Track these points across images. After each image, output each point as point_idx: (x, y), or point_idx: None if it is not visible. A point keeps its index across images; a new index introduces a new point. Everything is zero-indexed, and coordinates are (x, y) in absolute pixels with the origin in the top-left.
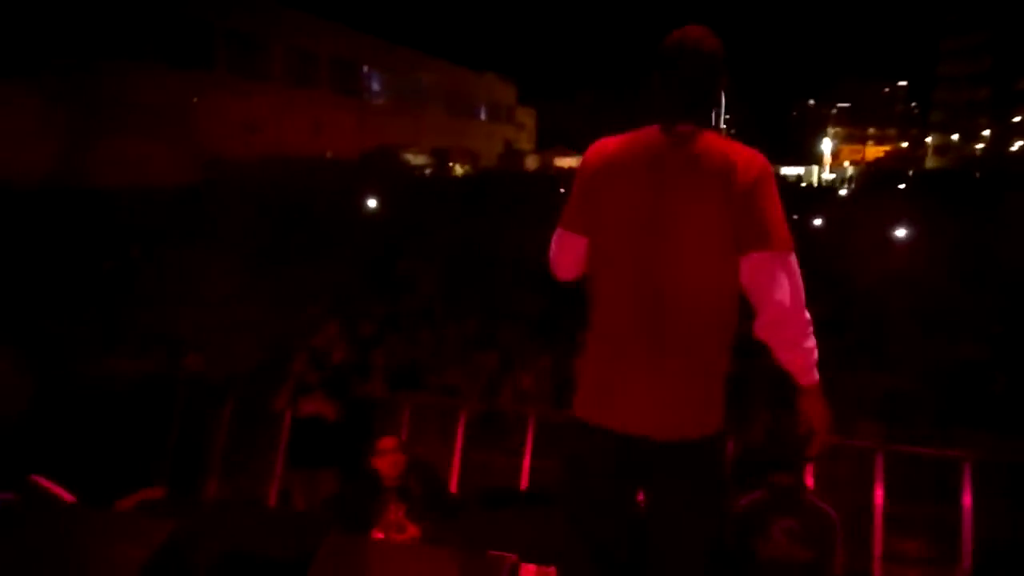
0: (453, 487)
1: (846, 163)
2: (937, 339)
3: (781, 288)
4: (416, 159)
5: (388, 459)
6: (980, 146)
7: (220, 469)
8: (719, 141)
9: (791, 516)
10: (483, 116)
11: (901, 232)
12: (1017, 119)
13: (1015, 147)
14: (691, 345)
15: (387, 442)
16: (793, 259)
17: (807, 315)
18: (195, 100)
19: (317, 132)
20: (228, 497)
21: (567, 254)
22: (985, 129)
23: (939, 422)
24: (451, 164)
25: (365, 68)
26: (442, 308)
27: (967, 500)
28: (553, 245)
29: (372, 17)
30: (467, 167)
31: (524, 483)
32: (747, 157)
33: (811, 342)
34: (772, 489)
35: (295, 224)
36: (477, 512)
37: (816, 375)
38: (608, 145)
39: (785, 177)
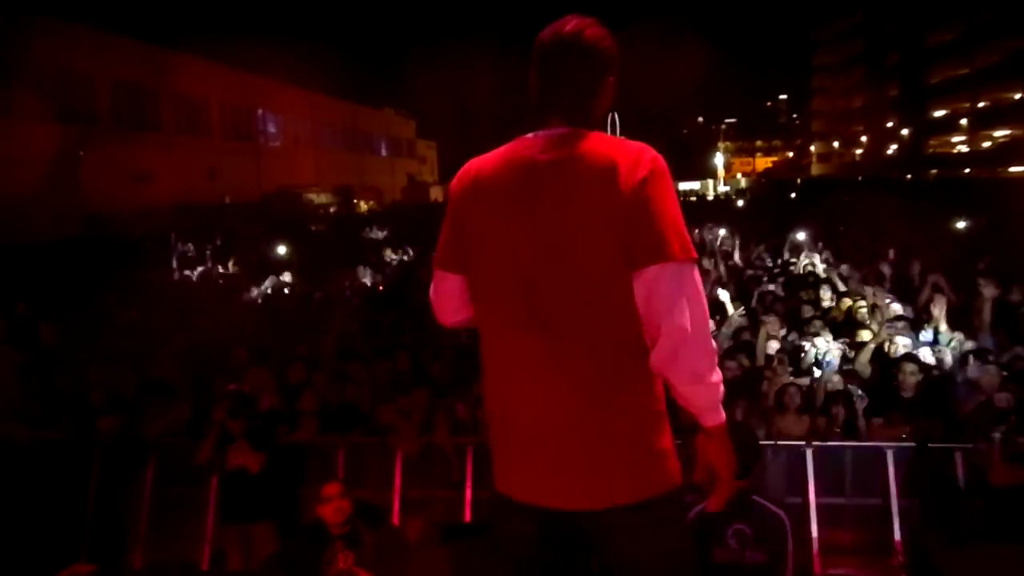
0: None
1: (739, 175)
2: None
3: (680, 309)
4: (319, 198)
5: (333, 505)
6: (859, 151)
7: (147, 534)
8: (602, 140)
9: (743, 520)
10: (384, 151)
11: (801, 236)
12: (890, 124)
13: (890, 151)
14: (602, 387)
15: (331, 488)
16: (695, 273)
17: (712, 343)
18: (80, 153)
19: (212, 178)
20: (158, 563)
21: (445, 296)
22: (862, 135)
23: (869, 413)
24: (356, 201)
25: (259, 111)
26: (368, 346)
27: (893, 488)
28: (432, 287)
29: (264, 60)
30: (372, 203)
31: (467, 515)
32: (633, 153)
33: (716, 375)
34: None
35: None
36: (429, 550)
37: (722, 414)
38: (473, 167)
39: (684, 192)
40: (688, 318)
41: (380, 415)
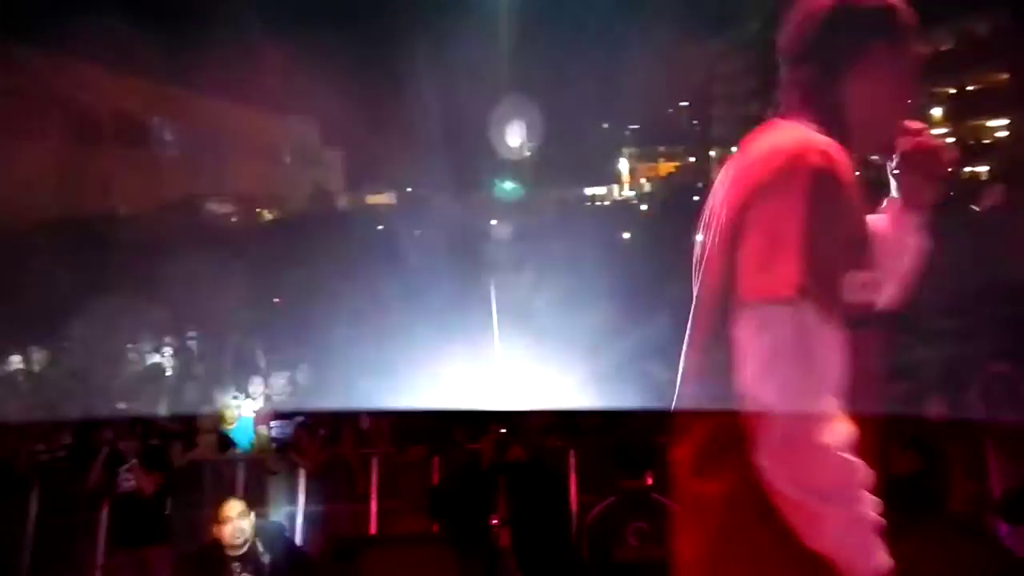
0: (298, 543)
1: (643, 180)
2: None
3: (743, 362)
4: (221, 208)
5: (233, 526)
6: None
7: (32, 568)
8: (774, 133)
9: (642, 518)
10: (288, 159)
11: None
12: None
13: None
14: (697, 456)
15: (231, 508)
16: (779, 314)
17: (813, 415)
18: None
19: (106, 189)
20: None
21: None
22: None
23: None
24: (259, 210)
25: (156, 119)
26: (270, 359)
27: None
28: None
29: (161, 65)
30: (276, 212)
31: (372, 528)
32: (769, 151)
33: (817, 472)
34: (623, 494)
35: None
36: (329, 565)
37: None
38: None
39: (591, 196)
40: (750, 369)
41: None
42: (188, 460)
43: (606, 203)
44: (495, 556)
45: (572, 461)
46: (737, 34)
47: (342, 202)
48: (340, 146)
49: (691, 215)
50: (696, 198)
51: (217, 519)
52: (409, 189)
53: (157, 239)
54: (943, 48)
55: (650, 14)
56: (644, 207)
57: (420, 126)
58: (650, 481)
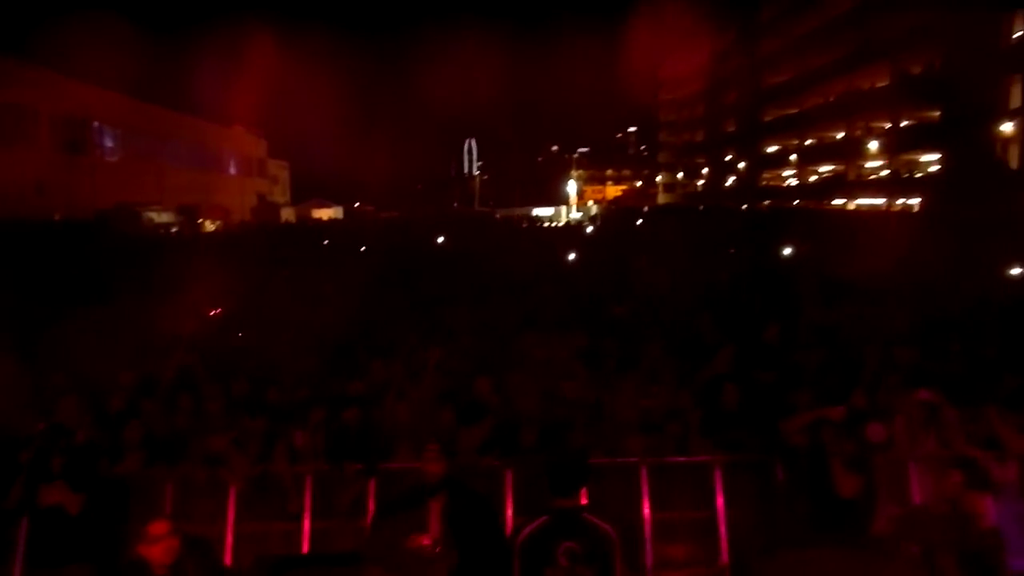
0: (228, 561)
1: (590, 202)
2: (687, 357)
3: None
4: (160, 217)
5: (161, 546)
6: (701, 182)
7: None
8: None
9: (573, 538)
10: (233, 170)
11: (646, 260)
12: (728, 158)
13: (729, 182)
14: None
15: (158, 527)
16: None
17: None
18: None
19: (40, 192)
20: None
21: None
22: (704, 167)
23: (701, 432)
24: (200, 220)
25: (96, 124)
26: (204, 372)
27: (720, 501)
28: None
29: (103, 69)
30: (218, 223)
31: (305, 547)
32: None
33: None
34: (554, 513)
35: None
36: None
37: None
38: None
39: (538, 218)
40: None
41: (212, 445)
42: (114, 475)
43: (555, 224)
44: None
45: (509, 480)
46: (687, 62)
47: (287, 215)
48: (288, 159)
49: (633, 237)
50: (640, 221)
51: (143, 538)
52: (356, 204)
53: (92, 247)
54: (879, 85)
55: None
56: (589, 228)
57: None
58: (583, 501)
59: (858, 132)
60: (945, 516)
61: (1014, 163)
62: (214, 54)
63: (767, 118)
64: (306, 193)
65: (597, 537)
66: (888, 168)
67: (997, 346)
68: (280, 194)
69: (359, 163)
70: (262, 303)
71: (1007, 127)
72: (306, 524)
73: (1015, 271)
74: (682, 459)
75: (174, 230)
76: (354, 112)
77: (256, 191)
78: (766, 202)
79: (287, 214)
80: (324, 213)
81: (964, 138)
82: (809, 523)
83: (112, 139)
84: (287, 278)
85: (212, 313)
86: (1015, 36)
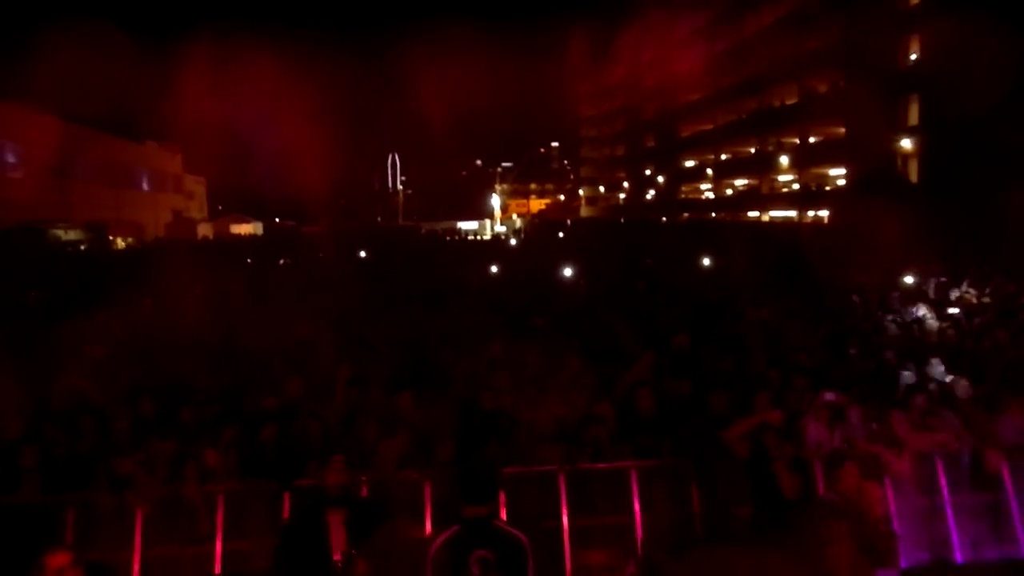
0: None
1: (514, 215)
2: (607, 364)
3: None
4: (68, 235)
5: None
6: (622, 196)
7: None
8: None
9: (485, 547)
10: (146, 186)
11: (566, 272)
12: (648, 172)
13: (649, 196)
14: None
15: (59, 559)
16: None
17: None
18: None
19: None
20: None
21: None
22: (624, 181)
23: (618, 439)
24: (111, 238)
25: None
26: (97, 396)
27: (636, 506)
28: None
29: (12, 83)
30: (130, 240)
31: (217, 569)
32: None
33: None
34: (465, 523)
35: None
36: None
37: None
38: None
39: (462, 231)
40: None
41: (118, 467)
42: (11, 504)
43: (481, 237)
44: None
45: (427, 493)
46: (603, 80)
47: (204, 230)
48: (205, 174)
49: (556, 250)
50: (561, 234)
51: (42, 571)
52: (277, 219)
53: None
54: (788, 103)
55: (522, 56)
56: (512, 241)
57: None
58: (502, 510)
59: (770, 148)
60: (841, 507)
61: (913, 177)
62: (126, 67)
63: (684, 134)
64: (224, 208)
65: (509, 545)
66: (798, 182)
67: (895, 349)
68: (197, 210)
69: (279, 178)
70: (173, 320)
71: (907, 143)
72: (218, 546)
73: (909, 279)
74: (599, 466)
75: (83, 247)
76: (274, 126)
77: (171, 207)
78: (685, 214)
79: (204, 230)
80: (243, 228)
81: (867, 153)
82: (753, 525)
83: (15, 155)
84: (199, 296)
85: (112, 333)
86: (912, 57)
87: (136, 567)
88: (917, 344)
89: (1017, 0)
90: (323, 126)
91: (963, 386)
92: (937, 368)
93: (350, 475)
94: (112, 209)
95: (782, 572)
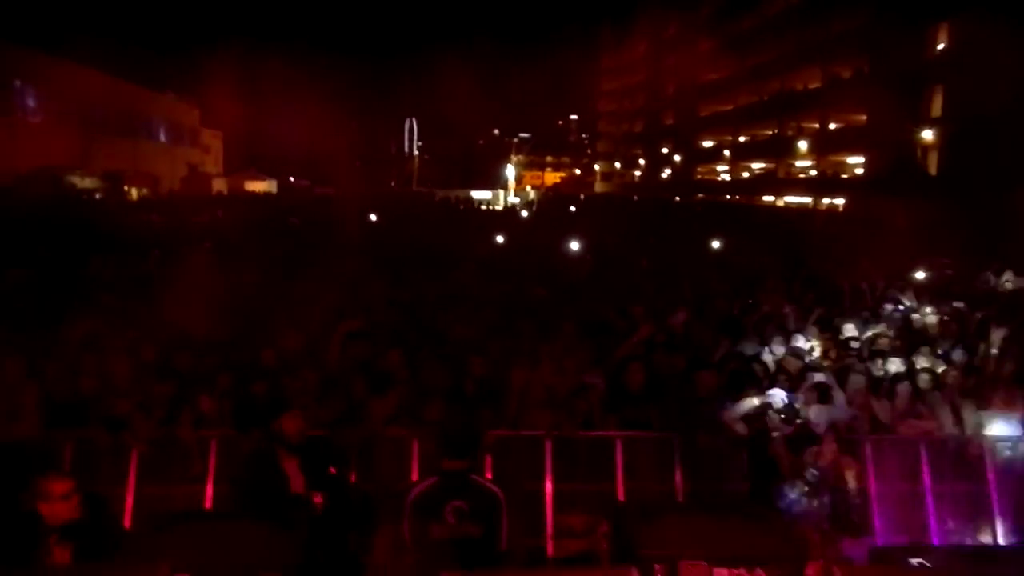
0: (127, 523)
1: (528, 187)
2: (601, 337)
3: None
4: (83, 182)
5: (61, 504)
6: (638, 173)
7: None
8: None
9: (461, 498)
10: (163, 138)
11: (574, 245)
12: (665, 151)
13: (665, 175)
14: None
15: (60, 485)
16: None
17: None
18: None
19: None
20: None
21: None
22: (641, 159)
23: (605, 409)
24: (126, 188)
25: (17, 83)
26: (110, 336)
27: (619, 475)
28: None
29: (25, 27)
30: (144, 191)
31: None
32: None
33: None
34: (443, 475)
35: None
36: (149, 537)
37: None
38: None
39: (476, 200)
40: None
41: (116, 408)
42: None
43: (493, 207)
44: (313, 527)
45: (415, 449)
46: (625, 54)
47: (219, 185)
48: (222, 129)
49: (567, 223)
50: (573, 208)
51: (43, 495)
52: (292, 179)
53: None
54: (811, 87)
55: (543, 29)
56: (524, 213)
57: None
58: (471, 465)
59: (789, 132)
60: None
61: (933, 169)
62: (147, 17)
63: (703, 113)
64: (240, 164)
65: (484, 497)
66: (815, 168)
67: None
68: (212, 164)
69: (296, 137)
70: (182, 271)
71: (928, 134)
72: (209, 487)
73: (920, 275)
74: (586, 434)
75: (97, 196)
76: (292, 85)
77: (187, 160)
78: (699, 196)
79: (219, 185)
80: (258, 186)
81: (887, 143)
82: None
83: (35, 99)
84: (208, 249)
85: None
86: (939, 47)
87: (129, 502)
88: (909, 334)
89: None
90: (342, 88)
91: (953, 376)
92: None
93: (307, 425)
94: (128, 159)
95: (749, 539)
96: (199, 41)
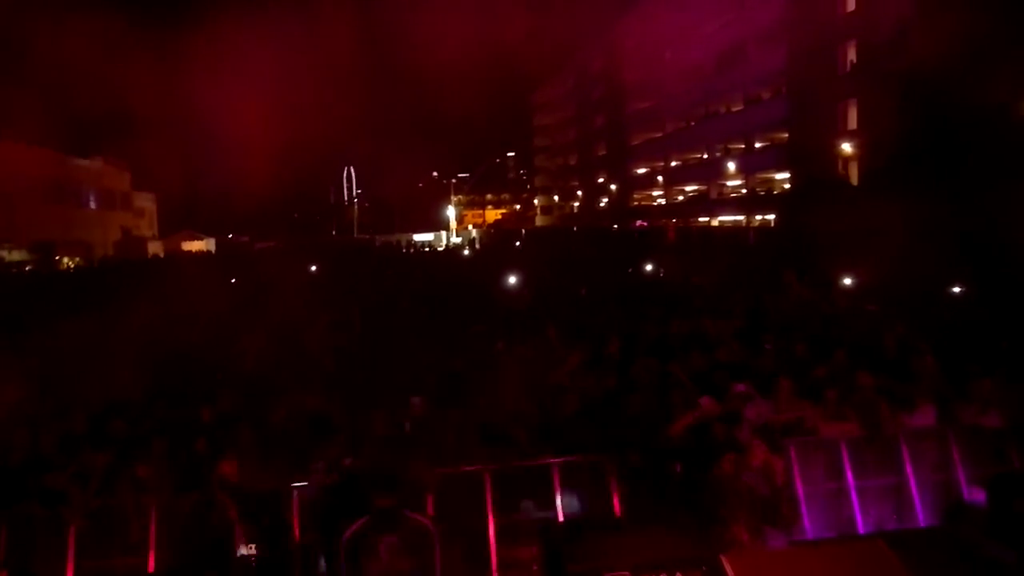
0: None
1: (470, 226)
2: (535, 365)
3: None
4: (12, 255)
5: None
6: (576, 204)
7: None
8: None
9: (393, 533)
10: (93, 204)
11: (511, 280)
12: (601, 180)
13: (602, 203)
14: None
15: None
16: None
17: None
18: None
19: None
20: None
21: None
22: (578, 190)
23: (541, 437)
24: (57, 258)
25: None
26: (39, 407)
27: (558, 500)
28: None
29: None
30: (77, 259)
31: None
32: None
33: None
34: (375, 512)
35: None
36: None
37: None
38: None
39: (419, 244)
40: None
41: (50, 482)
42: None
43: (437, 248)
44: None
45: None
46: (554, 90)
47: (155, 248)
48: (155, 191)
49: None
50: (517, 243)
51: None
52: (230, 235)
53: None
54: (735, 110)
55: (475, 66)
56: (465, 251)
57: (245, 173)
58: (400, 500)
59: (717, 154)
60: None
61: (854, 179)
62: (71, 82)
63: (634, 142)
64: (176, 225)
65: (417, 532)
66: (745, 187)
67: (807, 343)
68: (147, 227)
69: (232, 193)
70: (112, 338)
71: (846, 146)
72: (151, 556)
73: (847, 281)
74: (524, 463)
75: (28, 268)
76: (226, 140)
77: (120, 225)
78: (637, 222)
79: (155, 248)
80: (195, 245)
81: (810, 158)
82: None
83: None
84: (146, 313)
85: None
86: (850, 63)
87: None
88: (831, 339)
89: (942, 3)
90: (277, 140)
91: (864, 378)
92: None
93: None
94: (58, 228)
95: (668, 546)
96: (127, 104)
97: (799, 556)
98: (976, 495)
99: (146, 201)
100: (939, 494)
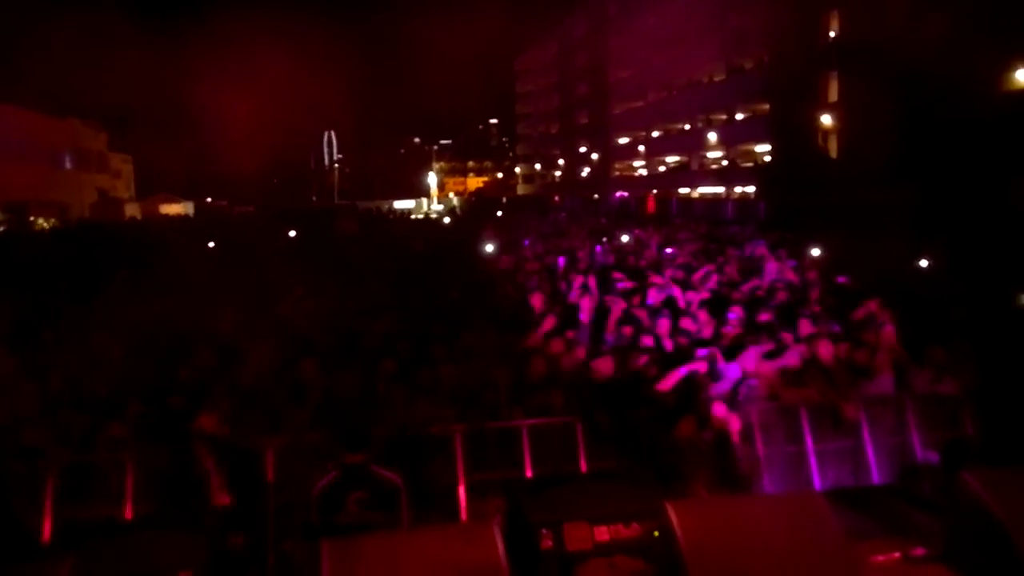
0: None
1: (451, 194)
2: (510, 332)
3: None
4: None
5: None
6: (558, 173)
7: None
8: None
9: (361, 488)
10: (68, 164)
11: (490, 248)
12: (583, 149)
13: (584, 173)
14: None
15: None
16: None
17: None
18: None
19: None
20: None
21: None
22: (560, 159)
23: (512, 400)
24: (32, 219)
25: None
26: (17, 365)
27: (528, 459)
28: None
29: None
30: (52, 221)
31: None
32: None
33: None
34: (344, 468)
35: None
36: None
37: None
38: None
39: (399, 210)
40: None
41: (27, 438)
42: None
43: (418, 216)
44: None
45: None
46: (537, 56)
47: (131, 210)
48: (132, 152)
49: (490, 227)
50: (499, 212)
51: None
52: (209, 199)
53: None
54: (717, 79)
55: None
56: (446, 219)
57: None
58: (369, 457)
59: (699, 124)
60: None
61: (834, 153)
62: (47, 41)
63: (616, 111)
64: (153, 188)
65: (383, 486)
66: (726, 158)
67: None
68: (124, 189)
69: (211, 156)
70: (97, 302)
71: (827, 119)
72: (128, 505)
73: (815, 252)
74: (494, 424)
75: (1, 229)
76: (205, 102)
77: (96, 186)
78: (618, 193)
79: (131, 210)
80: (173, 209)
81: (790, 130)
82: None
83: None
84: (125, 277)
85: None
86: (831, 35)
87: (47, 523)
88: (794, 308)
89: None
90: (257, 103)
91: (824, 345)
92: None
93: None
94: (32, 189)
95: (623, 499)
96: (103, 63)
97: (739, 505)
98: (930, 457)
99: (122, 163)
100: (895, 457)
